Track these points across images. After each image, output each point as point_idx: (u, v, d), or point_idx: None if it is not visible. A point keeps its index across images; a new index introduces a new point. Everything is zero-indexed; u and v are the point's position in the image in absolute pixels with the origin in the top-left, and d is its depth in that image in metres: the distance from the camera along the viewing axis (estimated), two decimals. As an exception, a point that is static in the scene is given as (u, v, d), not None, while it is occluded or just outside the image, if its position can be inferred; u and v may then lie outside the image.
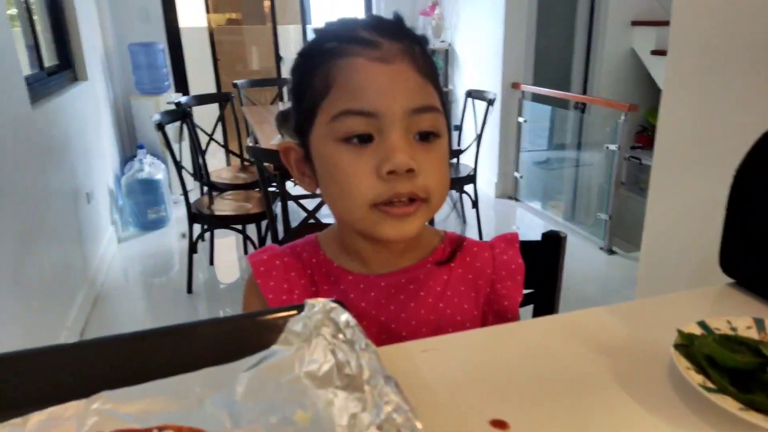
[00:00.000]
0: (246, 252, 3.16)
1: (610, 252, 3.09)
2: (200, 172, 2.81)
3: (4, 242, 1.71)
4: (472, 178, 2.96)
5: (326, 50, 0.58)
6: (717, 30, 1.39)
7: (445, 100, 0.62)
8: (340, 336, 0.43)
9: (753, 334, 0.52)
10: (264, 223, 2.70)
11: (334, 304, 0.45)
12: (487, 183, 3.97)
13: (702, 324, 0.53)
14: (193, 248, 2.69)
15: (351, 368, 0.40)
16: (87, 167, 2.84)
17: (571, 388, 0.47)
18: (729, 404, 0.43)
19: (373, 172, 0.55)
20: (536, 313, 0.89)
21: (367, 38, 0.56)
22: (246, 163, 3.34)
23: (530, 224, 3.64)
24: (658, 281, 1.66)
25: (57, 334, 2.07)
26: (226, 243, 3.31)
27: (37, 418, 0.38)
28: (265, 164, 2.20)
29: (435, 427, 0.36)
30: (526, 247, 0.71)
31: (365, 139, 0.55)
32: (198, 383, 0.42)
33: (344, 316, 0.44)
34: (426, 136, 0.57)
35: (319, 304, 0.46)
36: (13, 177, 1.83)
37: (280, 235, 2.31)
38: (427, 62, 0.59)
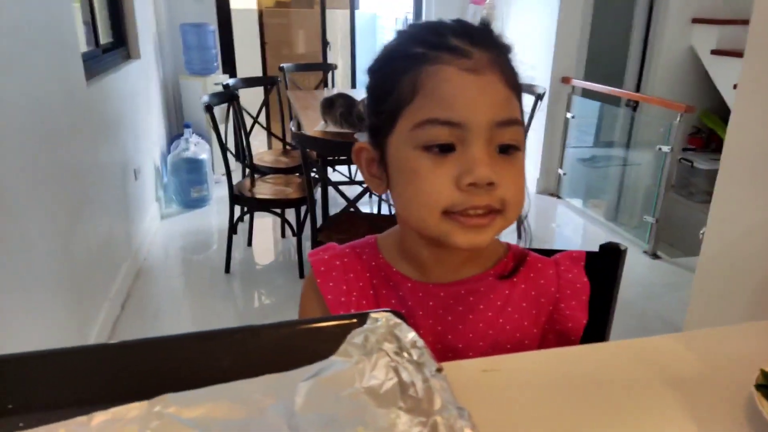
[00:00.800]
0: (284, 236, 3.20)
1: (654, 256, 2.99)
2: (243, 155, 2.84)
3: (58, 213, 1.77)
4: (515, 174, 2.90)
5: (413, 55, 0.56)
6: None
7: (523, 110, 0.60)
8: (405, 355, 0.42)
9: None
10: (303, 209, 2.72)
11: (397, 320, 0.44)
12: (529, 178, 3.86)
13: (784, 363, 0.49)
14: (233, 229, 2.73)
15: (416, 391, 0.39)
16: (136, 144, 2.91)
17: (639, 420, 0.45)
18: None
19: (452, 182, 0.54)
20: (587, 328, 0.86)
21: (457, 46, 0.55)
22: (288, 147, 3.36)
23: (570, 222, 3.55)
24: (714, 298, 1.59)
25: (100, 304, 2.14)
26: (265, 225, 3.35)
27: (101, 417, 0.38)
28: (308, 150, 2.20)
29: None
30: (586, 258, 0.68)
31: (447, 148, 0.54)
32: (258, 390, 0.41)
33: (411, 335, 0.42)
34: (506, 149, 0.56)
35: (382, 319, 0.44)
36: (66, 151, 1.88)
37: (319, 221, 2.32)
38: (513, 73, 0.58)
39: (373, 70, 0.61)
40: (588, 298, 0.65)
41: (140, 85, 3.13)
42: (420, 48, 0.56)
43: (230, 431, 0.37)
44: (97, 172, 2.23)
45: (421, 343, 0.42)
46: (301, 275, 2.67)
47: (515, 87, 0.57)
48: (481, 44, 0.56)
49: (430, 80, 0.55)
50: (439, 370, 0.39)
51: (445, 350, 0.62)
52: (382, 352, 0.43)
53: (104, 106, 2.40)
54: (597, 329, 0.84)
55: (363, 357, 0.44)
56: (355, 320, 0.47)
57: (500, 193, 0.55)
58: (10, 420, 0.37)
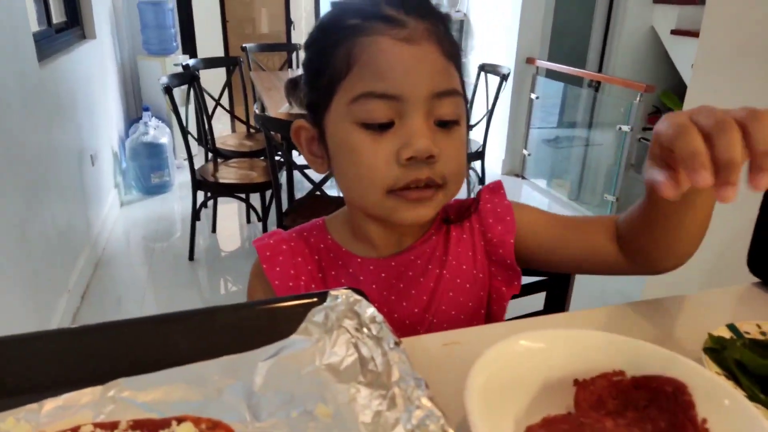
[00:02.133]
0: (249, 221, 3.15)
1: (615, 235, 3.07)
2: (206, 138, 2.77)
3: (12, 200, 1.69)
4: (480, 155, 2.92)
5: (348, 26, 0.55)
6: (751, 11, 1.34)
7: (464, 82, 0.60)
8: (365, 330, 0.42)
9: (784, 339, 0.51)
10: (268, 193, 2.68)
11: (358, 297, 0.44)
12: (494, 159, 3.92)
13: (731, 327, 0.52)
14: (196, 215, 2.68)
15: (376, 365, 0.39)
16: (92, 128, 2.81)
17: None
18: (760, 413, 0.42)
19: (392, 158, 0.53)
20: (548, 301, 0.88)
21: (392, 16, 0.54)
22: (252, 131, 3.30)
23: (535, 203, 3.61)
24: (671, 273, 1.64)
25: (58, 296, 2.08)
26: (229, 211, 3.29)
27: (52, 404, 0.36)
28: (272, 133, 2.16)
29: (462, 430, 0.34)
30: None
31: (384, 125, 0.53)
32: (216, 372, 0.41)
33: (370, 311, 0.42)
34: (446, 123, 0.55)
35: (342, 296, 0.44)
36: (20, 135, 1.80)
37: (285, 206, 2.29)
38: (451, 43, 0.56)
39: (308, 45, 0.59)
40: (513, 219, 0.64)
41: (96, 66, 3.01)
42: (353, 19, 0.54)
43: (187, 413, 0.37)
44: (52, 157, 2.14)
45: (380, 318, 0.42)
46: (269, 260, 2.65)
47: (454, 57, 0.56)
48: (416, 13, 0.54)
49: (365, 52, 0.53)
50: (398, 343, 0.39)
51: (402, 318, 0.63)
52: (342, 329, 0.43)
53: (58, 89, 2.29)
54: (557, 306, 0.87)
55: (324, 335, 0.44)
56: (315, 299, 0.47)
57: (440, 167, 0.55)
58: (-46, 410, 0.35)
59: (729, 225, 1.40)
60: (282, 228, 2.07)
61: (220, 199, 2.97)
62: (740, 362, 0.46)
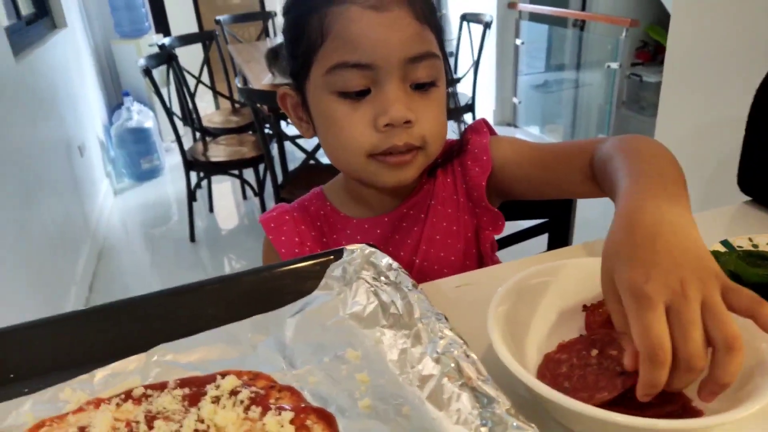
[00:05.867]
0: (245, 197, 3.16)
1: (609, 174, 3.10)
2: (191, 118, 2.75)
3: (8, 200, 1.69)
4: (470, 107, 2.91)
5: None
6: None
7: (443, 39, 0.61)
8: (382, 278, 0.44)
9: (774, 250, 0.54)
10: (261, 167, 2.68)
11: (372, 249, 0.46)
12: (485, 111, 3.90)
13: (725, 242, 0.55)
14: (191, 196, 2.68)
15: (397, 308, 0.42)
16: (76, 119, 2.77)
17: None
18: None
19: (369, 125, 0.55)
20: (551, 242, 0.91)
21: None
22: (237, 105, 3.26)
23: (528, 151, 3.62)
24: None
25: (67, 289, 2.10)
26: (224, 189, 3.29)
27: (102, 373, 0.39)
28: (259, 106, 2.15)
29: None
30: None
31: (360, 93, 0.55)
32: (248, 330, 0.43)
33: (385, 260, 0.45)
34: (423, 85, 0.56)
35: (357, 250, 0.46)
36: (6, 134, 1.79)
37: (279, 178, 2.30)
38: (425, 4, 0.57)
39: (285, 11, 0.60)
40: (489, 158, 0.63)
41: (71, 55, 2.95)
42: None
43: (228, 368, 0.40)
44: (41, 153, 2.13)
45: (396, 265, 0.44)
46: (270, 233, 2.67)
47: (427, 18, 0.56)
48: None
49: (337, 22, 0.54)
50: (415, 285, 0.42)
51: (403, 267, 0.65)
52: (360, 280, 0.46)
53: (37, 82, 2.26)
54: (560, 246, 0.90)
55: (344, 287, 0.46)
56: (332, 256, 0.49)
57: (418, 130, 0.56)
58: (14, 388, 0.38)
59: (718, 148, 1.43)
60: (281, 201, 2.07)
61: (213, 178, 2.97)
62: (734, 273, 0.50)
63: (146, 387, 0.38)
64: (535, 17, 3.59)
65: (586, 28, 3.69)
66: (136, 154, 3.35)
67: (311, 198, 0.71)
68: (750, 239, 0.55)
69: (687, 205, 0.42)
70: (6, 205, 1.67)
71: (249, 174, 2.85)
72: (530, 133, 3.80)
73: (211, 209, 3.03)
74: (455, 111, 0.69)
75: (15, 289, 1.64)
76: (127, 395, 0.37)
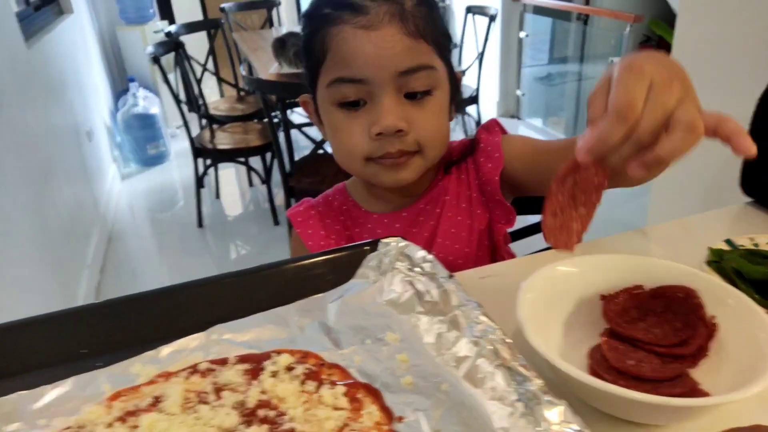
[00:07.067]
0: (251, 184, 3.19)
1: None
2: (197, 105, 2.77)
3: (23, 185, 1.73)
4: (474, 99, 2.94)
5: (321, 16, 0.61)
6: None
7: (449, 45, 0.64)
8: (417, 269, 0.48)
9: (774, 248, 0.58)
10: (268, 155, 2.71)
11: (406, 242, 0.50)
12: (489, 102, 3.93)
13: (728, 241, 0.59)
14: (199, 182, 2.72)
15: (432, 296, 0.46)
16: (84, 105, 2.80)
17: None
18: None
19: (365, 133, 0.60)
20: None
21: (355, 3, 0.58)
22: (242, 93, 3.28)
23: (530, 143, 3.65)
24: (671, 200, 1.72)
25: (79, 272, 2.14)
26: (229, 176, 3.32)
27: (168, 349, 0.43)
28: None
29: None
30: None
31: (357, 103, 0.60)
32: (294, 314, 0.48)
33: (420, 253, 0.49)
34: (417, 94, 0.60)
35: (392, 242, 0.51)
36: (19, 120, 1.81)
37: (287, 167, 2.33)
38: (420, 17, 0.59)
39: (301, 31, 0.65)
40: (501, 155, 0.66)
41: (78, 40, 2.96)
42: (326, 8, 0.60)
43: (280, 348, 0.44)
44: (52, 138, 2.16)
45: (430, 257, 0.48)
46: (276, 222, 2.71)
47: (422, 31, 0.59)
48: None
49: (333, 41, 0.59)
50: (451, 276, 0.46)
51: None
52: (395, 270, 0.50)
53: (47, 68, 2.28)
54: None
55: (379, 276, 0.50)
56: (367, 247, 0.53)
57: (413, 137, 0.61)
58: (88, 362, 0.42)
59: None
60: (290, 189, 2.11)
61: (219, 165, 3.00)
62: (737, 270, 0.54)
63: (210, 362, 0.42)
64: (539, 10, 3.60)
65: (589, 23, 3.70)
66: (142, 140, 3.38)
67: (335, 193, 0.76)
68: (751, 239, 0.59)
69: None
70: (22, 191, 1.70)
71: (254, 161, 2.88)
72: (533, 125, 3.83)
73: (217, 196, 3.06)
74: (459, 102, 0.72)
75: (32, 273, 1.68)
76: (194, 369, 0.41)
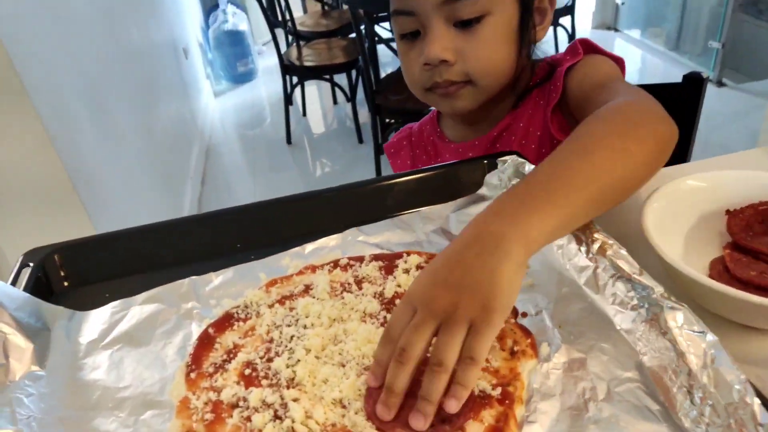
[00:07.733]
0: (335, 102, 3.23)
1: (720, 84, 2.87)
2: (285, 21, 2.79)
3: (134, 99, 1.86)
4: (569, 9, 2.74)
5: None
6: None
7: None
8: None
9: None
10: (353, 73, 2.71)
11: (522, 159, 0.52)
12: (584, 13, 3.63)
13: None
14: (288, 99, 2.79)
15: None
16: (179, 21, 2.89)
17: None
18: None
19: (420, 63, 0.61)
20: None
21: None
22: (326, 8, 3.25)
23: (627, 56, 3.37)
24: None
25: (184, 183, 2.33)
26: (313, 93, 3.37)
27: (311, 246, 0.49)
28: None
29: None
30: (662, 89, 0.70)
31: (415, 34, 0.61)
32: (418, 221, 0.52)
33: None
34: (468, 22, 0.58)
35: (509, 160, 0.52)
36: (126, 35, 1.92)
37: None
38: None
39: None
40: (560, 87, 0.63)
41: (169, -44, 3.01)
42: None
43: (410, 249, 0.48)
44: (154, 54, 2.28)
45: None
46: (360, 140, 2.75)
47: None
48: None
49: None
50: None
51: None
52: (511, 185, 0.52)
53: (146, -15, 2.36)
54: (677, 159, 0.90)
55: (500, 192, 0.53)
56: (485, 162, 0.55)
57: (460, 68, 0.60)
58: (244, 255, 0.49)
59: None
60: (376, 107, 2.13)
61: (304, 82, 3.05)
62: None
63: (349, 258, 0.47)
64: None
65: None
66: (232, 57, 3.47)
67: (427, 121, 0.79)
68: None
69: (545, 220, 0.37)
70: (133, 107, 1.84)
71: (338, 78, 2.90)
72: (631, 37, 3.52)
73: (304, 113, 3.14)
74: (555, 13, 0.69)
75: (144, 185, 1.85)
76: (335, 264, 0.47)
